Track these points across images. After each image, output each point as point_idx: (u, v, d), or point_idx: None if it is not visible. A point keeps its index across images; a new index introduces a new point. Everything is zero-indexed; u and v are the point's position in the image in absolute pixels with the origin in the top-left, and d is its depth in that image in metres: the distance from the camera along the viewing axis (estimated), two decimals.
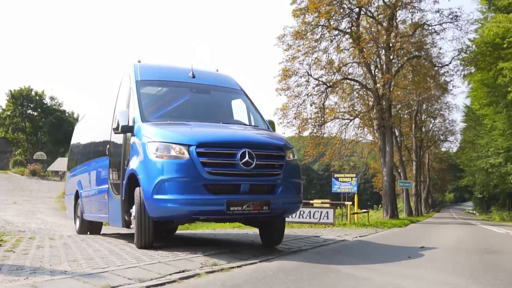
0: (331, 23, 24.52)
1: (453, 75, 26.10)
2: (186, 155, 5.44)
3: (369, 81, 25.96)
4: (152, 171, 5.56)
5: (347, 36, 25.36)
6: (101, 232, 9.61)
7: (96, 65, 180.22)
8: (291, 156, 6.16)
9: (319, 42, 25.11)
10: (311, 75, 24.92)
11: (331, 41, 25.35)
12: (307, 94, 25.28)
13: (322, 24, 24.42)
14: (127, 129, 6.31)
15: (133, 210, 5.97)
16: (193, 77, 7.39)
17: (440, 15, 24.22)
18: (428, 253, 6.93)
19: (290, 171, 6.04)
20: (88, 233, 9.40)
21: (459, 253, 7.38)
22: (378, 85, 24.78)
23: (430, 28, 25.01)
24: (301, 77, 25.07)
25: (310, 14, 24.30)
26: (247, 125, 7.23)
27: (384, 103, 24.58)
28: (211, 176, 5.43)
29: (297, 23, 24.97)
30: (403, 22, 26.46)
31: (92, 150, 8.98)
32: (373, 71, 25.60)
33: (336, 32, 25.14)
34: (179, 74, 7.58)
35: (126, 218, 6.37)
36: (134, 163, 5.99)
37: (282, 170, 5.90)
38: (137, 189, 5.81)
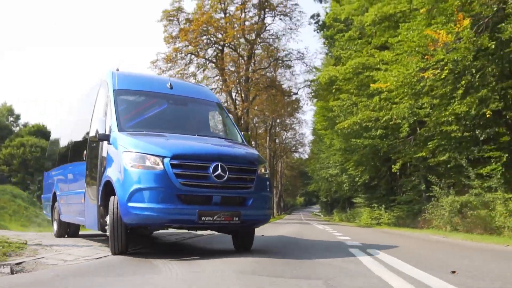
0: (199, 52, 27.87)
1: (300, 101, 31.58)
2: (161, 166, 5.60)
3: (231, 105, 29.89)
4: (127, 180, 5.67)
5: (212, 64, 28.97)
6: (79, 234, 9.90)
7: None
8: (263, 170, 6.36)
9: (187, 67, 28.35)
10: None
11: (199, 67, 28.73)
12: None
13: (191, 52, 27.63)
14: (104, 138, 6.40)
15: (108, 218, 6.11)
16: (171, 88, 7.41)
17: (290, 54, 29.35)
18: (264, 238, 9.98)
19: (261, 185, 6.24)
20: (66, 236, 9.46)
21: (281, 238, 10.77)
22: (238, 108, 28.86)
23: (282, 63, 29.94)
24: None
25: (180, 42, 27.42)
26: (222, 137, 7.39)
27: (242, 124, 28.60)
28: (184, 187, 5.61)
29: (169, 49, 27.92)
30: (260, 61, 30.93)
31: (69, 153, 8.90)
32: (234, 97, 29.62)
33: (203, 60, 28.60)
34: (157, 84, 7.71)
35: (102, 222, 6.51)
36: (110, 171, 6.12)
37: (253, 183, 6.10)
38: (112, 198, 5.94)
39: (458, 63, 11.83)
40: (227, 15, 28.31)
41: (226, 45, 28.46)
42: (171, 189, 5.55)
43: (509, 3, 10.50)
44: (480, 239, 10.97)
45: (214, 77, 29.52)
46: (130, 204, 5.58)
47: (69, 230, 9.43)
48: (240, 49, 29.13)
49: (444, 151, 16.40)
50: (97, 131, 6.40)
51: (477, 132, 15.66)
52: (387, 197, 29.50)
